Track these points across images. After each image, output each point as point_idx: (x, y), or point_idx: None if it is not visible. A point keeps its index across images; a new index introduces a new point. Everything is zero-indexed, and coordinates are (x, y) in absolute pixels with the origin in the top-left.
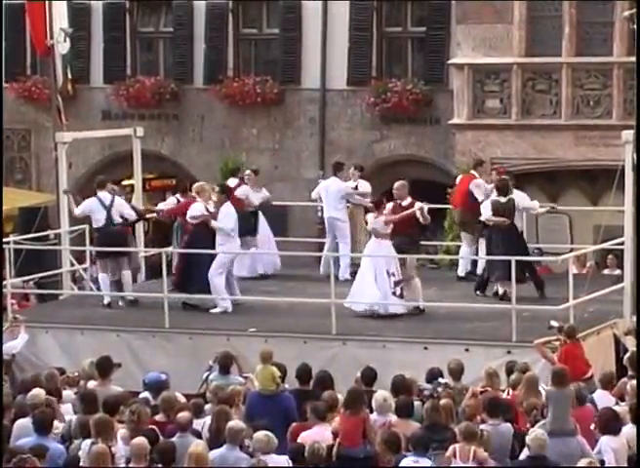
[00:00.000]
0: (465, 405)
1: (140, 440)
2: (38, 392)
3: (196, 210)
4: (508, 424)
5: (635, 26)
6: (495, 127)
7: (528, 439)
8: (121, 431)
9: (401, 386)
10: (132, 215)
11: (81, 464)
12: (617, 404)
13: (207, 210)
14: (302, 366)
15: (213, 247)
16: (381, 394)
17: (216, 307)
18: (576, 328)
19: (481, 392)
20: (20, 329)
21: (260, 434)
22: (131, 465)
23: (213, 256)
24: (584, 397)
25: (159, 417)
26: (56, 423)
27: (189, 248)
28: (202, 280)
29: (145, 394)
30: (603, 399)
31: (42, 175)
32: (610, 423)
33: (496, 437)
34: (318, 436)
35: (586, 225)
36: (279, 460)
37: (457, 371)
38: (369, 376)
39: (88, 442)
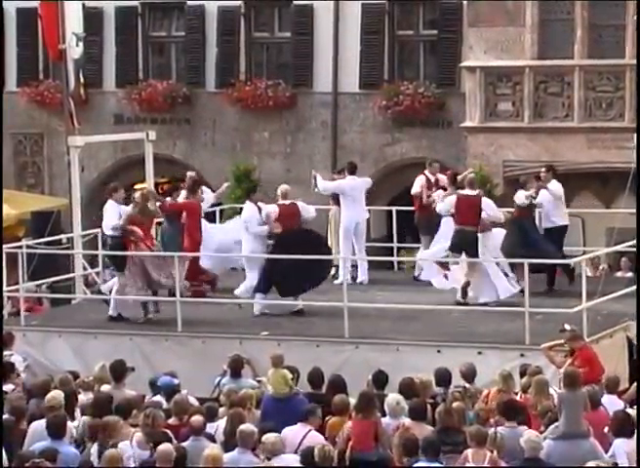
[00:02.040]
0: (480, 408)
1: (166, 446)
2: (55, 395)
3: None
4: (525, 427)
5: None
6: (507, 130)
7: (522, 441)
8: (137, 434)
9: (408, 389)
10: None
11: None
12: (625, 407)
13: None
14: (314, 370)
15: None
16: (394, 397)
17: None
18: (578, 334)
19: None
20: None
21: (271, 436)
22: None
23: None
24: (598, 400)
25: (172, 421)
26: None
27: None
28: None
29: (157, 397)
30: (610, 402)
31: (54, 179)
32: (623, 426)
33: (513, 440)
34: (291, 433)
35: (599, 228)
36: (290, 460)
37: (469, 374)
38: (380, 380)
39: (96, 446)
